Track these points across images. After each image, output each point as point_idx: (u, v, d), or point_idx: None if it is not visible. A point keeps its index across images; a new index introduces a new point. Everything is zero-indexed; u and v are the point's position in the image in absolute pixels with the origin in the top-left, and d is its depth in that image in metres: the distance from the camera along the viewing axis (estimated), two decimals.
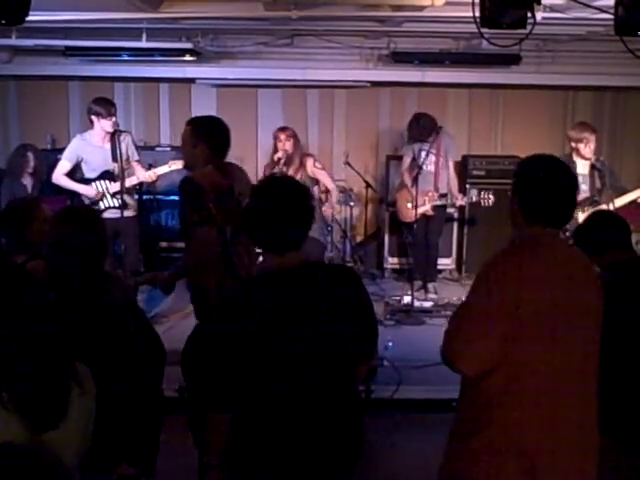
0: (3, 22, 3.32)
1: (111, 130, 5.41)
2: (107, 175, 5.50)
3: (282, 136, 5.76)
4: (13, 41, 6.54)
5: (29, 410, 1.65)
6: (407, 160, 6.71)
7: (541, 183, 2.22)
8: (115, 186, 5.48)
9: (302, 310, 2.17)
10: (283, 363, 2.14)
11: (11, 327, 1.67)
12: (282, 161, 5.68)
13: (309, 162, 5.82)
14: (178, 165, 5.64)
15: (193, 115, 7.97)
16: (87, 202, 5.53)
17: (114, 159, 5.43)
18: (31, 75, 7.60)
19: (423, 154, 6.48)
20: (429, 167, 6.58)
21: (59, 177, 5.56)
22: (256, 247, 2.27)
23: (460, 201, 6.60)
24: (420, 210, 6.48)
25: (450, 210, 7.12)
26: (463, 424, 2.23)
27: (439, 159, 6.57)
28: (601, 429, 2.79)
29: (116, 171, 5.45)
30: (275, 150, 5.82)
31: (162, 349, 2.72)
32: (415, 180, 6.33)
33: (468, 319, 2.12)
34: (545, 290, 2.09)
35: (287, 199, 2.20)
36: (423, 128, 6.50)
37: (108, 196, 5.51)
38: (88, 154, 5.53)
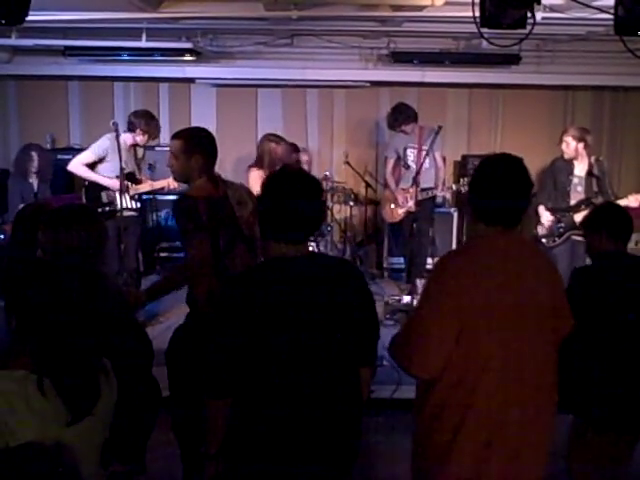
0: (3, 22, 3.32)
1: (141, 144, 5.71)
2: (129, 176, 5.57)
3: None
4: (13, 41, 6.55)
5: (70, 395, 1.69)
6: (391, 162, 6.81)
7: (484, 183, 2.29)
8: (134, 188, 5.63)
9: (300, 297, 2.19)
10: (278, 350, 2.16)
11: (57, 316, 1.73)
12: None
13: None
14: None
15: (193, 114, 8.09)
16: (105, 200, 5.59)
17: (135, 164, 5.69)
18: (31, 75, 7.60)
19: (409, 152, 6.55)
20: (411, 164, 6.63)
21: (79, 166, 5.60)
22: (267, 237, 2.27)
23: (440, 192, 6.63)
24: (403, 209, 6.55)
25: (451, 210, 7.14)
26: (419, 426, 2.32)
27: (420, 153, 6.58)
28: (585, 420, 2.86)
29: (137, 175, 5.67)
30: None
31: (151, 351, 2.71)
32: (414, 179, 6.34)
33: (419, 328, 2.21)
34: (484, 293, 2.16)
35: (302, 190, 2.23)
36: (398, 115, 6.57)
37: (127, 196, 5.57)
38: (115, 154, 5.56)
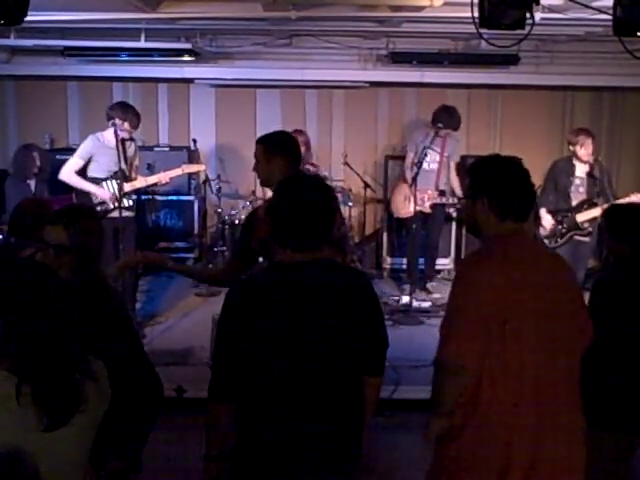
0: (2, 22, 3.33)
1: (127, 135, 5.61)
2: (119, 175, 5.52)
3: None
4: (12, 41, 6.54)
5: (47, 404, 1.68)
6: (411, 155, 6.71)
7: (508, 180, 2.37)
8: (127, 186, 5.58)
9: (301, 303, 2.17)
10: (277, 357, 2.15)
11: (37, 320, 1.71)
12: None
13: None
14: (189, 169, 6.02)
15: (192, 115, 8.09)
16: (95, 201, 5.53)
17: (125, 161, 5.60)
18: (30, 75, 7.60)
19: (429, 152, 6.54)
20: (432, 166, 6.61)
21: (70, 175, 5.56)
22: (274, 242, 2.27)
23: (450, 208, 6.67)
24: (417, 208, 6.53)
25: (449, 210, 7.15)
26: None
27: (442, 159, 6.60)
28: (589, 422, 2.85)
29: (127, 172, 5.60)
30: None
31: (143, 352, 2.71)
32: (414, 179, 6.34)
33: (459, 321, 2.25)
34: (518, 290, 2.22)
35: (311, 196, 2.22)
36: (454, 119, 6.58)
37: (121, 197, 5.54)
38: (102, 154, 5.56)
